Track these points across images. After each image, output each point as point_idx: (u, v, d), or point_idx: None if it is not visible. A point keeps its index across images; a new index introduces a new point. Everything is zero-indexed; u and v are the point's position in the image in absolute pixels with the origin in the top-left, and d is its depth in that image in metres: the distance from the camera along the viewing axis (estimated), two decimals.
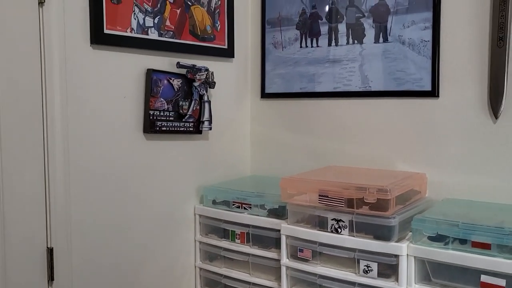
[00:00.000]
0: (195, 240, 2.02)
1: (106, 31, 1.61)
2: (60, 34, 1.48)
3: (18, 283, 1.44)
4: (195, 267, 2.03)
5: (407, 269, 1.47)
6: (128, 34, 1.68)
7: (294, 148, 2.15)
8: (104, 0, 1.60)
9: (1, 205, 1.39)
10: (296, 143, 2.15)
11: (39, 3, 1.43)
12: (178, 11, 1.86)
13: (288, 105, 2.17)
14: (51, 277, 1.51)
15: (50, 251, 1.50)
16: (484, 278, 1.34)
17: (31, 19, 1.42)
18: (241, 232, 1.89)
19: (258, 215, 1.83)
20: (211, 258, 2.00)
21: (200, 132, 1.97)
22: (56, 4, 1.46)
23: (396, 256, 1.47)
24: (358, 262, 1.55)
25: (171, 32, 1.84)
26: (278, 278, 1.76)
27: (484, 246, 1.35)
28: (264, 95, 2.24)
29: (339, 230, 1.59)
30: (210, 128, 1.98)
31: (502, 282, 1.32)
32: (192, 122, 1.93)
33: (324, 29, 2.04)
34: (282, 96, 2.18)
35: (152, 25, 1.76)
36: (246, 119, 2.27)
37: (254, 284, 1.86)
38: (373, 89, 1.93)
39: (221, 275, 1.95)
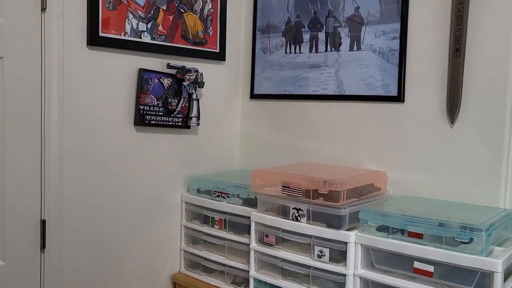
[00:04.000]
0: (181, 225, 2.23)
1: (101, 34, 1.83)
2: (59, 36, 1.72)
3: (15, 250, 1.68)
4: (180, 249, 2.24)
5: (354, 255, 1.63)
6: (122, 37, 1.91)
7: (278, 145, 2.33)
8: (100, 6, 1.82)
9: (1, 182, 1.63)
10: (281, 141, 2.33)
11: (41, 9, 1.67)
12: (171, 17, 2.08)
13: (274, 105, 2.35)
14: (43, 246, 1.74)
15: (43, 223, 1.74)
16: (416, 265, 1.49)
17: (34, 23, 1.66)
18: (219, 218, 2.08)
19: (234, 204, 2.02)
20: (194, 242, 2.21)
21: (188, 127, 2.17)
22: (57, 10, 1.70)
23: (346, 243, 1.63)
24: (313, 248, 1.72)
25: (163, 36, 2.06)
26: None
27: (417, 236, 1.50)
28: (253, 96, 2.43)
29: (298, 218, 1.76)
30: (198, 124, 2.18)
31: (431, 268, 1.46)
32: (180, 117, 2.13)
33: (306, 36, 2.22)
34: (269, 97, 2.37)
35: (145, 29, 1.98)
36: (236, 117, 2.47)
37: (229, 266, 2.05)
38: (347, 93, 2.09)
39: (201, 257, 2.15)
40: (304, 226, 1.73)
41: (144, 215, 2.08)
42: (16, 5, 1.61)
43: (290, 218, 1.78)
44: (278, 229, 1.81)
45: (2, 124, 1.62)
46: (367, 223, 1.63)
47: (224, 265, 2.06)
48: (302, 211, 1.75)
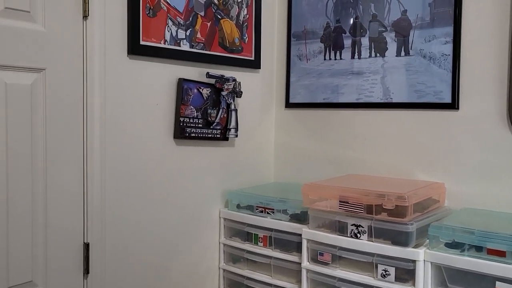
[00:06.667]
0: (219, 242, 2.11)
1: (142, 42, 1.72)
2: (101, 44, 1.60)
3: (57, 274, 1.55)
4: (219, 268, 2.12)
5: (424, 274, 1.52)
6: (162, 45, 1.80)
7: (316, 157, 2.23)
8: (141, 13, 1.71)
9: (44, 204, 1.51)
10: (318, 152, 2.22)
11: (83, 17, 1.56)
12: (209, 24, 1.97)
13: (311, 115, 2.25)
14: (86, 270, 1.61)
15: (86, 246, 1.61)
16: (499, 285, 1.39)
17: (76, 31, 1.54)
18: (263, 235, 1.96)
19: (280, 220, 1.91)
20: (234, 260, 2.09)
21: (226, 139, 2.06)
22: (98, 17, 1.58)
23: (414, 261, 1.53)
24: (376, 267, 1.61)
25: (202, 44, 1.95)
26: (299, 281, 1.82)
27: (499, 254, 1.39)
28: (288, 105, 2.32)
29: (358, 235, 1.65)
30: (236, 136, 2.07)
31: None
32: (219, 129, 2.02)
33: (347, 42, 2.12)
34: (306, 106, 2.26)
35: (184, 37, 1.87)
36: (270, 128, 2.36)
37: (275, 286, 1.93)
38: (394, 101, 1.99)
39: (244, 276, 2.03)
40: (365, 244, 1.62)
41: (183, 233, 1.96)
42: (58, 13, 1.49)
43: (348, 235, 1.67)
44: (334, 246, 1.70)
45: (44, 142, 1.49)
46: (438, 239, 1.52)
47: (270, 284, 1.94)
48: (363, 227, 1.64)
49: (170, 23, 1.82)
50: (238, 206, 2.06)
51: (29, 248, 1.48)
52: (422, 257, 1.52)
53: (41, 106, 1.48)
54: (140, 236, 1.80)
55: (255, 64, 2.21)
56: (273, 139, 2.38)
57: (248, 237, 2.02)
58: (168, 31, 1.82)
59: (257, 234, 1.98)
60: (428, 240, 1.57)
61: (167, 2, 1.80)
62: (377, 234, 1.61)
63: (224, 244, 2.10)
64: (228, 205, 2.10)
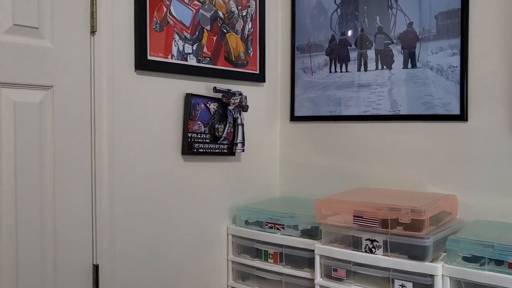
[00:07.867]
0: (227, 260, 2.07)
1: (149, 57, 1.70)
2: (109, 60, 1.57)
3: None
4: (228, 286, 2.07)
5: None
6: (169, 60, 1.77)
7: (322, 170, 2.20)
8: (148, 28, 1.69)
9: (53, 225, 1.47)
10: (325, 165, 2.20)
11: (91, 32, 1.53)
12: (215, 38, 1.95)
13: (317, 128, 2.23)
14: None
15: (96, 268, 1.56)
16: None
17: (84, 47, 1.51)
18: (274, 252, 1.93)
19: (291, 236, 1.88)
20: (243, 278, 2.04)
21: (233, 154, 2.03)
22: (106, 33, 1.56)
23: (431, 276, 1.50)
24: (393, 282, 1.58)
25: (208, 58, 1.93)
26: None
27: None
28: (293, 118, 2.30)
29: (373, 250, 1.62)
30: (243, 150, 2.05)
31: None
32: (226, 144, 2.00)
33: (353, 55, 2.11)
34: (311, 119, 2.25)
35: (191, 51, 1.85)
36: (275, 142, 2.33)
37: None
38: (402, 113, 1.98)
39: None
40: (381, 259, 1.59)
41: (192, 251, 1.92)
42: (66, 29, 1.47)
43: (363, 250, 1.64)
44: (349, 262, 1.67)
45: (53, 161, 1.45)
46: (456, 253, 1.50)
47: None
48: (377, 242, 1.61)
49: (177, 37, 1.80)
50: (247, 222, 2.02)
51: (38, 270, 1.43)
52: (441, 271, 1.49)
53: (49, 124, 1.44)
54: (149, 256, 1.75)
55: (260, 78, 2.19)
56: (278, 153, 2.35)
57: (258, 253, 1.98)
58: (175, 46, 1.79)
59: (267, 251, 1.95)
60: (444, 253, 1.55)
61: (174, 17, 1.78)
62: (392, 248, 1.58)
63: (233, 262, 2.06)
64: (236, 221, 2.06)
